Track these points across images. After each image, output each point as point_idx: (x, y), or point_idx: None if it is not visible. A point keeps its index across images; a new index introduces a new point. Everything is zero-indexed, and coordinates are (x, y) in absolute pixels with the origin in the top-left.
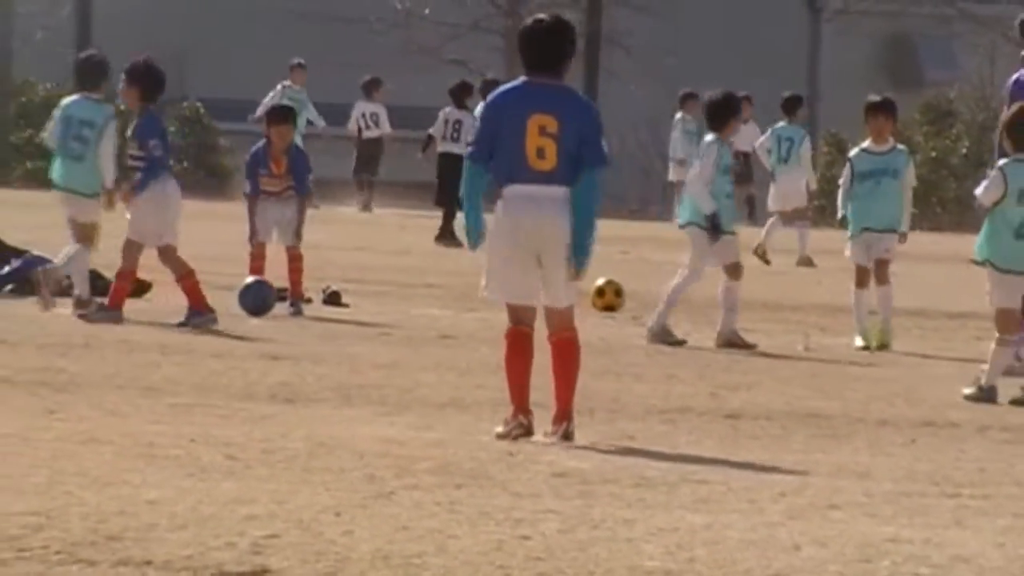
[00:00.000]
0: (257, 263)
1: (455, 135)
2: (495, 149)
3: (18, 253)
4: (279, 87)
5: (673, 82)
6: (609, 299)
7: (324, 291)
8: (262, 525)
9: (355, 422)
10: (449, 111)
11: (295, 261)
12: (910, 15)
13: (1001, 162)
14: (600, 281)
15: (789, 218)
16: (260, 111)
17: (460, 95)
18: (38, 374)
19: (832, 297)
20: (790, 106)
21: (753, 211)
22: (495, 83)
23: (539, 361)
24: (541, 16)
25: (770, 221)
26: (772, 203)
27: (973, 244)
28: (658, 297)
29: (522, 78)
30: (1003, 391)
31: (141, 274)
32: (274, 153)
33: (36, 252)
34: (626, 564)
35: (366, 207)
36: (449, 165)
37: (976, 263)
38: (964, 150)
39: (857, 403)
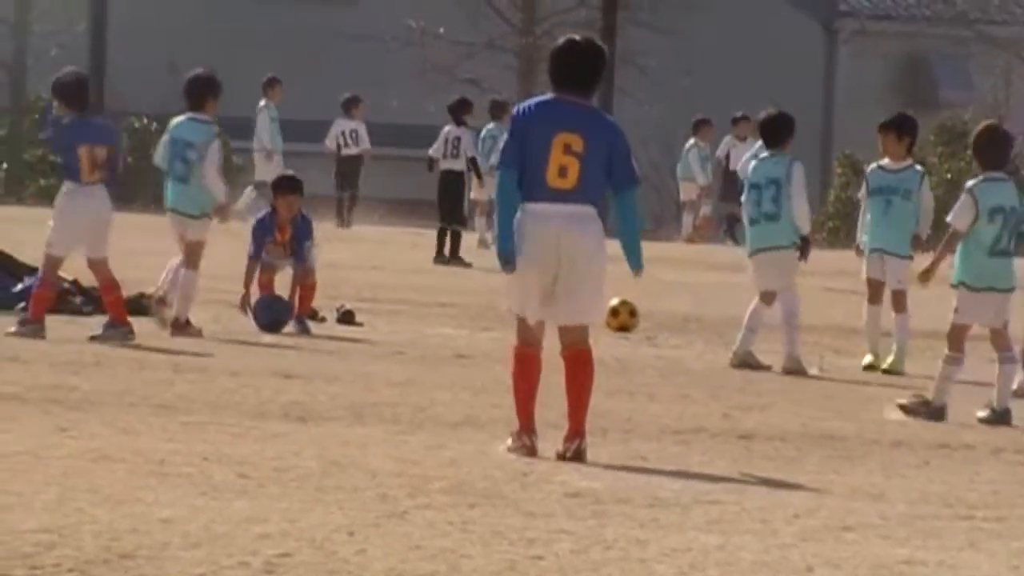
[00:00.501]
0: (265, 287)
1: (455, 152)
2: (521, 163)
3: (32, 271)
4: (261, 104)
5: (687, 102)
6: (623, 319)
7: (338, 310)
8: (275, 544)
9: (368, 441)
10: (448, 129)
11: (306, 289)
12: (926, 36)
13: (969, 183)
14: (614, 301)
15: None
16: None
17: (459, 112)
18: (50, 392)
19: (846, 319)
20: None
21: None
22: (503, 104)
23: (553, 381)
24: (575, 36)
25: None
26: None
27: None
28: (740, 322)
29: (550, 94)
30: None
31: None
32: (280, 222)
33: None
34: None
35: (346, 224)
36: (450, 182)
37: (953, 286)
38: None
39: (871, 424)
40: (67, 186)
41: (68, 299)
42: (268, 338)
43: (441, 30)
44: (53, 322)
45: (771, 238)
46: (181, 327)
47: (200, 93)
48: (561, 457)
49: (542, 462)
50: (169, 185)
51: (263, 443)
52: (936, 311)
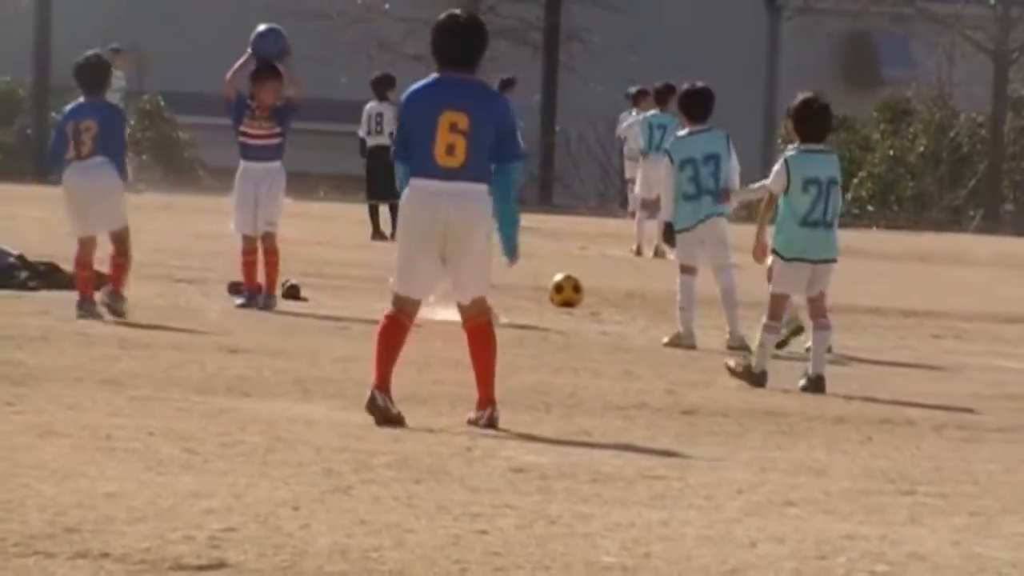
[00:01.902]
0: None
1: (378, 127)
2: (410, 144)
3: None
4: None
5: (632, 79)
6: (567, 295)
7: (283, 284)
8: (220, 519)
9: (313, 416)
10: (371, 105)
11: (271, 255)
12: (869, 14)
13: (787, 153)
14: (558, 277)
15: (653, 208)
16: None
17: (381, 88)
18: None
19: None
20: (662, 96)
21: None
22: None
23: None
24: (455, 11)
25: (638, 218)
26: (639, 189)
27: (929, 242)
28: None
29: (434, 74)
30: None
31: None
32: (261, 107)
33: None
34: (583, 559)
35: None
36: (376, 158)
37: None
38: (921, 148)
39: (814, 400)
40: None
41: (13, 274)
42: (213, 314)
43: (386, 6)
44: None
45: (714, 208)
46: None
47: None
48: (473, 423)
49: (486, 438)
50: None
51: (209, 418)
52: (877, 287)
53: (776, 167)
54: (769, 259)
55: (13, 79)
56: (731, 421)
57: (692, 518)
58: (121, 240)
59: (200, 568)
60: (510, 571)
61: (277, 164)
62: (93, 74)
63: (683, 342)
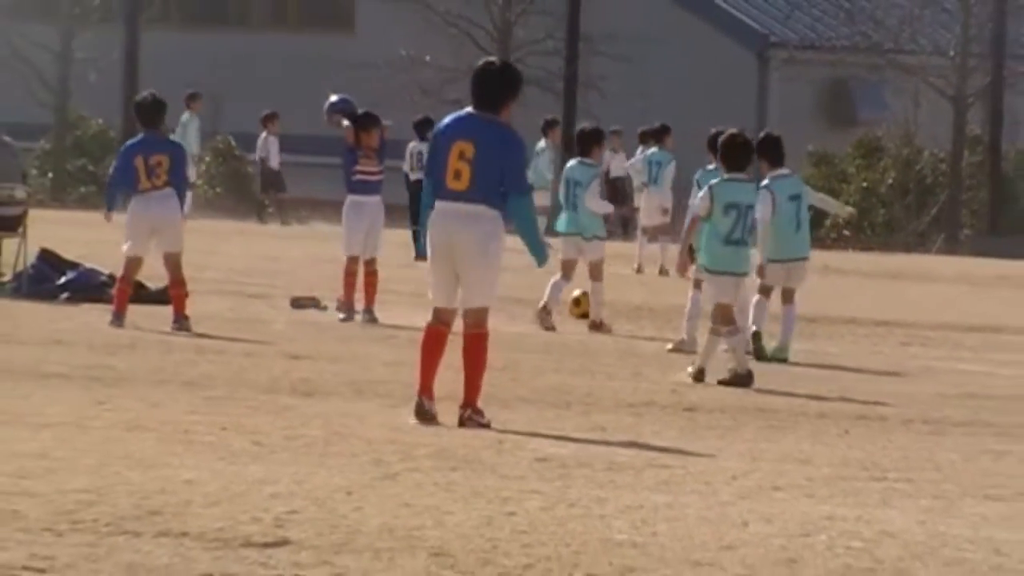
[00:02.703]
0: None
1: (420, 164)
2: (431, 170)
3: (73, 266)
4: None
5: (643, 122)
6: (585, 307)
7: (338, 300)
8: (284, 502)
9: (365, 413)
10: (413, 145)
11: (370, 277)
12: (846, 64)
13: (713, 181)
14: (577, 292)
15: (653, 234)
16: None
17: (422, 129)
18: (90, 370)
19: (776, 307)
20: (659, 134)
21: (627, 230)
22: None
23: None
24: (492, 59)
25: (639, 239)
26: (643, 218)
27: (899, 262)
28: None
29: (467, 109)
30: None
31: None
32: (366, 151)
33: (88, 265)
34: (599, 537)
35: (284, 223)
36: (418, 190)
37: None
38: (891, 180)
39: (799, 399)
40: (133, 197)
41: (105, 291)
42: (278, 325)
43: (428, 57)
44: (92, 311)
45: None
46: (597, 326)
47: (589, 141)
48: (460, 422)
49: (514, 432)
50: (563, 213)
51: (274, 415)
52: (853, 301)
53: (701, 194)
54: (692, 270)
55: (105, 121)
56: (727, 417)
57: (693, 501)
58: (176, 265)
59: (267, 545)
60: (535, 547)
61: (379, 197)
62: (150, 111)
63: (685, 348)
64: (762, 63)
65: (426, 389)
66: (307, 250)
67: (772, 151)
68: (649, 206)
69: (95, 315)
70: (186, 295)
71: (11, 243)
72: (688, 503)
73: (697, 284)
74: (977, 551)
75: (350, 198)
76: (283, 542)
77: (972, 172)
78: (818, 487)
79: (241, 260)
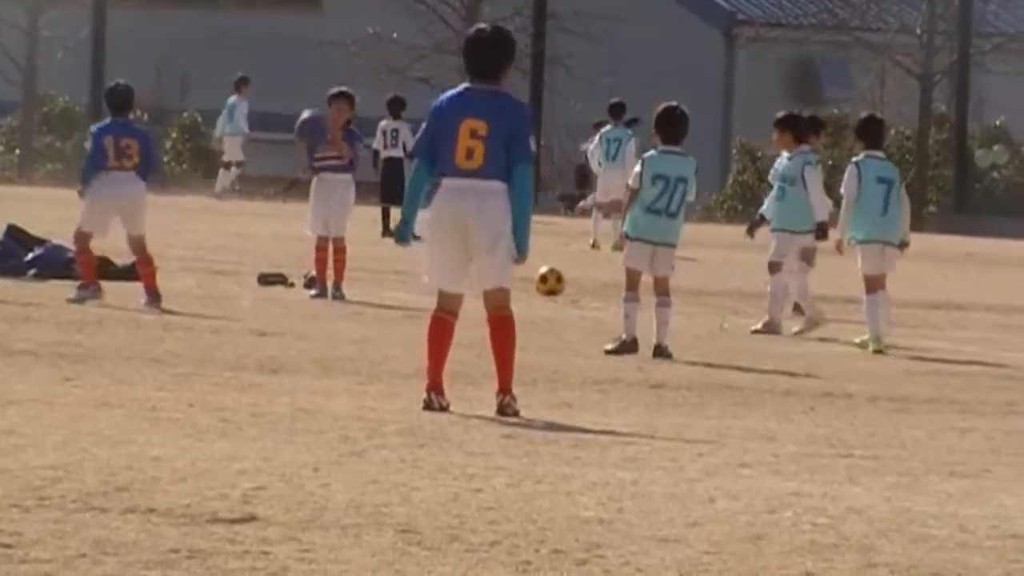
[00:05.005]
0: None
1: (393, 142)
2: (435, 149)
3: (41, 242)
4: (233, 99)
5: (609, 99)
6: (551, 284)
7: (305, 276)
8: (251, 479)
9: (332, 390)
10: (385, 123)
11: (340, 253)
12: (812, 41)
13: (648, 153)
14: (543, 269)
15: (608, 209)
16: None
17: (395, 108)
18: (58, 347)
19: (745, 284)
20: (616, 112)
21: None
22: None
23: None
24: (482, 26)
25: (593, 215)
26: (598, 195)
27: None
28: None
29: (464, 85)
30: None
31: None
32: (333, 125)
33: (56, 241)
34: (565, 514)
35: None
36: (390, 168)
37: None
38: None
39: (765, 376)
40: (99, 175)
41: (72, 268)
42: (245, 302)
43: (395, 35)
44: (60, 288)
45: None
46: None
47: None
48: (502, 411)
49: (481, 408)
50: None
51: (241, 392)
52: (820, 278)
53: (637, 165)
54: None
55: (72, 99)
56: (693, 394)
57: (659, 478)
58: (141, 246)
59: (234, 521)
60: (502, 524)
61: (348, 176)
62: (122, 98)
63: (772, 329)
64: (729, 41)
65: (435, 385)
66: (274, 228)
67: (870, 132)
68: (606, 183)
69: (62, 291)
70: (155, 271)
71: None
72: (654, 480)
73: (772, 267)
74: (942, 527)
75: (316, 177)
76: (250, 518)
77: (938, 150)
78: (784, 464)
79: (209, 237)
